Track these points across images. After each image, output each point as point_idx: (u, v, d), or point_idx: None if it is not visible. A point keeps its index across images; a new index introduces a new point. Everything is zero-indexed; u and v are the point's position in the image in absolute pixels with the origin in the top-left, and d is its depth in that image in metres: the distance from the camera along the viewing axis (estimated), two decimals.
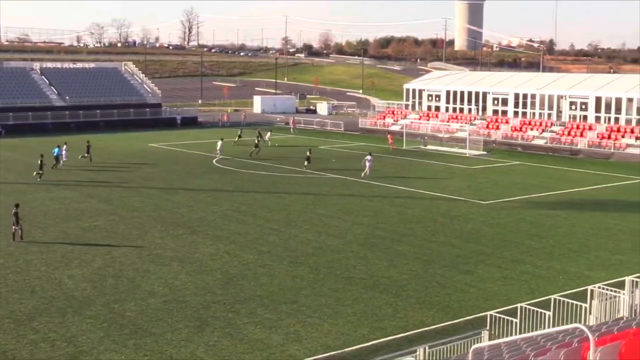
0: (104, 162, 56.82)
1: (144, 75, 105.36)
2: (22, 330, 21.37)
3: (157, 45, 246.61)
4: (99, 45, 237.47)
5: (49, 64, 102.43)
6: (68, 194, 43.50)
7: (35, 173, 48.22)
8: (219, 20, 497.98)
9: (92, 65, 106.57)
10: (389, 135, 71.49)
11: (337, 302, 24.14)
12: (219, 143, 60.30)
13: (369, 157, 50.93)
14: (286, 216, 37.54)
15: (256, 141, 63.88)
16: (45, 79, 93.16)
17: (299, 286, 25.79)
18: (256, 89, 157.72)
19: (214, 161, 57.89)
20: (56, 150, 54.15)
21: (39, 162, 48.61)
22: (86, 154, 56.57)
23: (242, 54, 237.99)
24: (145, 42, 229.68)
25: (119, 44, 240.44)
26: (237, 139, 70.59)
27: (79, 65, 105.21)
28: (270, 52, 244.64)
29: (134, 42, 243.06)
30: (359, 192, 44.80)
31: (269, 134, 71.87)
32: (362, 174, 49.99)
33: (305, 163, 54.29)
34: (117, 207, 39.71)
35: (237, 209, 39.26)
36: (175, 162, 57.46)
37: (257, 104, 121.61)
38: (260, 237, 33.09)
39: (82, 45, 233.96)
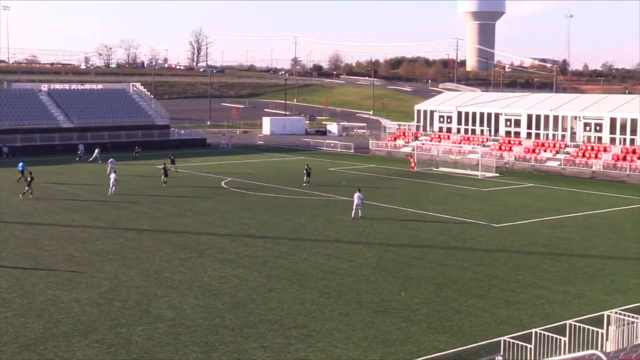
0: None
1: (152, 96, 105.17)
2: (28, 355, 20.90)
3: (166, 66, 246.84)
4: (107, 66, 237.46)
5: (57, 86, 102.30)
6: (75, 216, 43.20)
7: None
8: (228, 41, 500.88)
9: (99, 86, 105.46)
10: (410, 158, 70.21)
11: (347, 326, 23.60)
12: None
13: (358, 194, 43.12)
14: (296, 238, 37.08)
15: None
16: (52, 100, 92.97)
17: (308, 310, 25.27)
18: (265, 110, 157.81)
19: (222, 183, 57.56)
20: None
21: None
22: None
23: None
24: (154, 63, 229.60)
25: (127, 65, 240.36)
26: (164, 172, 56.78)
27: (87, 86, 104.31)
28: (280, 72, 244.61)
29: (142, 63, 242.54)
30: (369, 214, 44.21)
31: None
32: (352, 215, 42.76)
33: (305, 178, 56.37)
34: (124, 230, 39.33)
35: (246, 232, 38.83)
36: (183, 185, 57.11)
37: (267, 126, 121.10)
38: (269, 260, 32.62)
39: (90, 66, 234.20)
